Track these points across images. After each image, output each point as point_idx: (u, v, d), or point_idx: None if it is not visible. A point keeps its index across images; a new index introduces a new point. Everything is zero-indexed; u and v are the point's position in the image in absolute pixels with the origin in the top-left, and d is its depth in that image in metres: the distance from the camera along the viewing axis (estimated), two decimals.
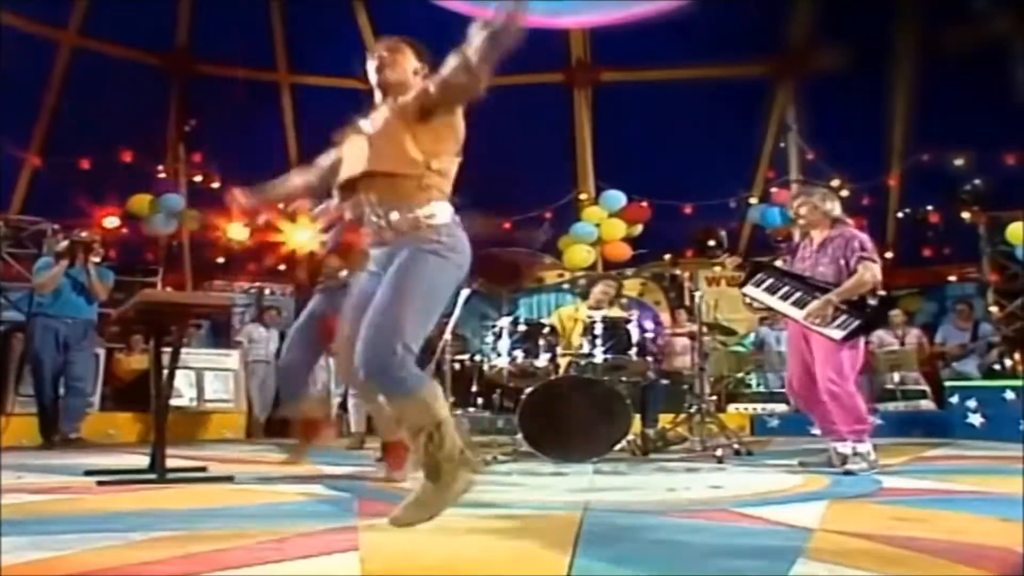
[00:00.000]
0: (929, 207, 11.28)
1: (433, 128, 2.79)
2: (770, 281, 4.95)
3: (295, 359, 4.77)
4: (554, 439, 5.23)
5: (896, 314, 9.79)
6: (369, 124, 2.92)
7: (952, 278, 11.50)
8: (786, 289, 4.87)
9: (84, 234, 7.15)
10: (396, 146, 2.77)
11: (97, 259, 7.21)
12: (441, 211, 2.78)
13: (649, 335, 5.75)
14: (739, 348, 9.81)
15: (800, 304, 4.76)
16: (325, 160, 3.20)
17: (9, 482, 4.17)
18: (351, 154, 2.93)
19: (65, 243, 7.01)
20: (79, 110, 10.49)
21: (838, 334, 4.60)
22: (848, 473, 4.40)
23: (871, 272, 4.66)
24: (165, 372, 4.57)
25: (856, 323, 4.59)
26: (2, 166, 10.20)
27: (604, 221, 11.15)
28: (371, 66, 2.98)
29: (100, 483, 4.00)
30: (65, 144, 10.47)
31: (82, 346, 7.22)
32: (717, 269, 10.17)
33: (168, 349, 4.45)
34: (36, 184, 10.95)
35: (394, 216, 2.77)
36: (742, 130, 11.60)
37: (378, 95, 2.99)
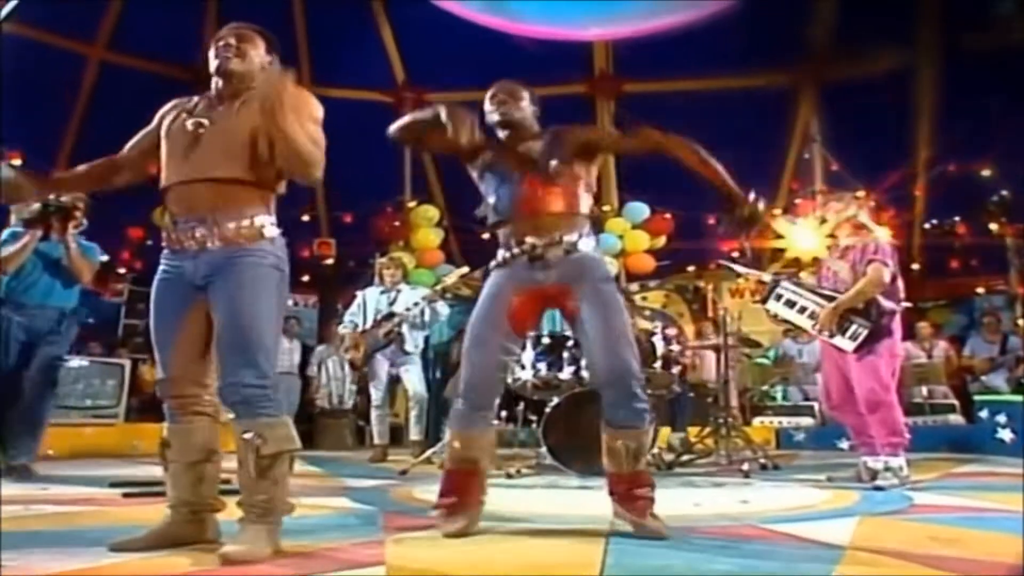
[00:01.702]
0: (956, 218, 11.16)
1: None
2: (789, 295, 4.90)
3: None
4: (578, 452, 5.18)
5: (923, 326, 9.68)
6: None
7: (980, 290, 11.35)
8: (803, 301, 4.81)
9: (64, 198, 5.23)
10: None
11: (78, 229, 5.38)
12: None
13: (674, 348, 5.71)
14: (763, 360, 9.73)
15: (814, 316, 4.71)
16: (133, 150, 2.93)
17: (34, 493, 4.19)
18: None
19: (37, 207, 5.13)
20: (106, 124, 10.60)
21: (849, 345, 4.54)
22: (878, 488, 4.33)
23: (877, 275, 4.56)
24: None
25: (865, 332, 4.52)
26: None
27: (627, 233, 11.11)
28: (214, 52, 2.78)
29: (125, 495, 4.01)
30: (92, 156, 10.56)
31: (49, 342, 5.31)
32: (741, 281, 10.10)
33: None
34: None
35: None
36: (765, 141, 11.53)
37: (217, 84, 2.80)
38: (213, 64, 2.76)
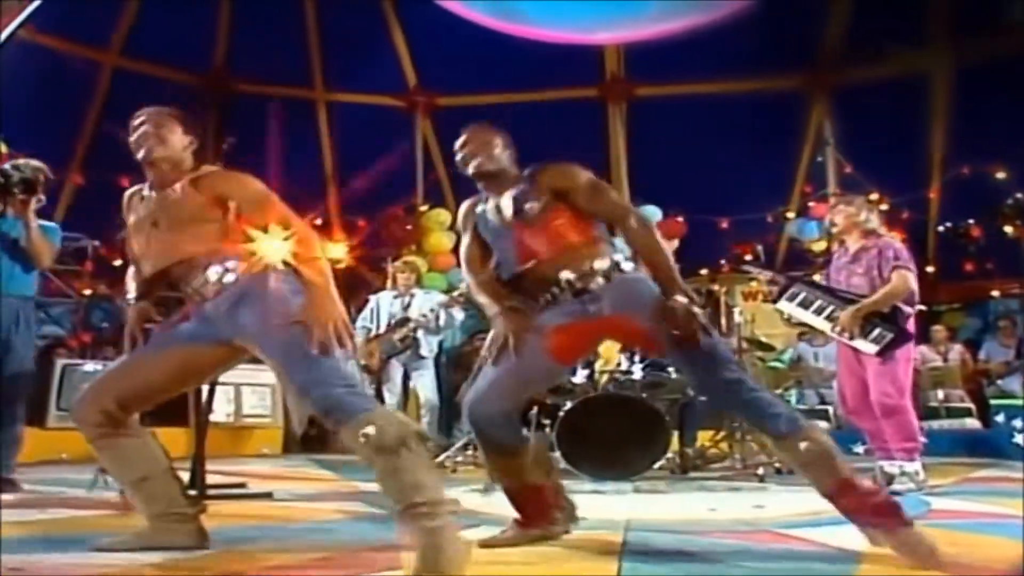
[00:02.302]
0: (970, 221, 11.07)
1: None
2: (803, 295, 4.86)
3: None
4: (592, 457, 5.17)
5: (938, 330, 9.62)
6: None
7: (995, 293, 11.26)
8: (819, 303, 4.77)
9: (22, 162, 4.62)
10: None
11: (38, 205, 4.65)
12: None
13: None
14: (777, 364, 9.67)
15: (832, 318, 4.67)
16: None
17: (52, 497, 4.21)
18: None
19: None
20: (120, 129, 10.66)
21: (872, 348, 4.51)
22: (894, 494, 4.29)
23: (905, 281, 4.55)
24: (205, 388, 4.61)
25: (890, 336, 4.49)
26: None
27: None
28: (133, 140, 2.80)
29: None
30: (105, 162, 10.63)
31: (17, 335, 4.62)
32: (754, 284, 10.06)
33: None
34: (77, 201, 11.13)
35: None
36: (779, 144, 11.50)
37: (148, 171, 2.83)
38: (137, 153, 2.79)
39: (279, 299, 2.53)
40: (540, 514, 2.89)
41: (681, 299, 2.63)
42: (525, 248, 2.84)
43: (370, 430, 2.33)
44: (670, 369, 5.52)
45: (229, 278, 2.63)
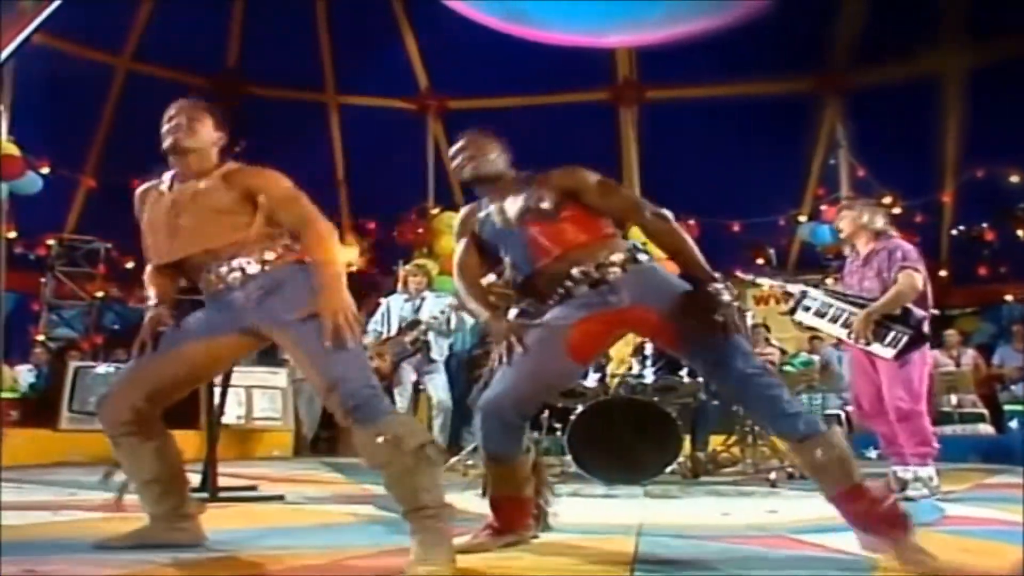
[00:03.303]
0: (984, 224, 11.02)
1: None
2: (817, 304, 4.83)
3: None
4: (603, 461, 5.16)
5: (951, 334, 9.56)
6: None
7: (1008, 298, 11.19)
8: (833, 310, 4.75)
9: None
10: None
11: None
12: None
13: None
14: (788, 368, 9.63)
15: (847, 324, 4.65)
16: None
17: (63, 499, 4.22)
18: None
19: None
20: (132, 132, 10.71)
21: (889, 352, 4.47)
22: (908, 499, 4.27)
23: (912, 281, 4.50)
24: (216, 390, 4.62)
25: (906, 338, 4.45)
26: (57, 186, 10.42)
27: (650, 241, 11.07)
28: (164, 130, 2.81)
29: None
30: (119, 165, 10.69)
31: None
32: (765, 288, 10.01)
33: None
34: (90, 204, 11.19)
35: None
36: (791, 147, 11.46)
37: (174, 162, 2.84)
38: (165, 142, 2.80)
39: (312, 291, 2.56)
40: (517, 522, 2.88)
41: (718, 285, 2.61)
42: (538, 246, 2.80)
43: (393, 434, 2.41)
44: (682, 373, 5.50)
45: (253, 269, 2.66)
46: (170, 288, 2.92)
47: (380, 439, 2.41)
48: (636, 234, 3.09)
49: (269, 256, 2.69)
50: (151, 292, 2.89)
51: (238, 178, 2.77)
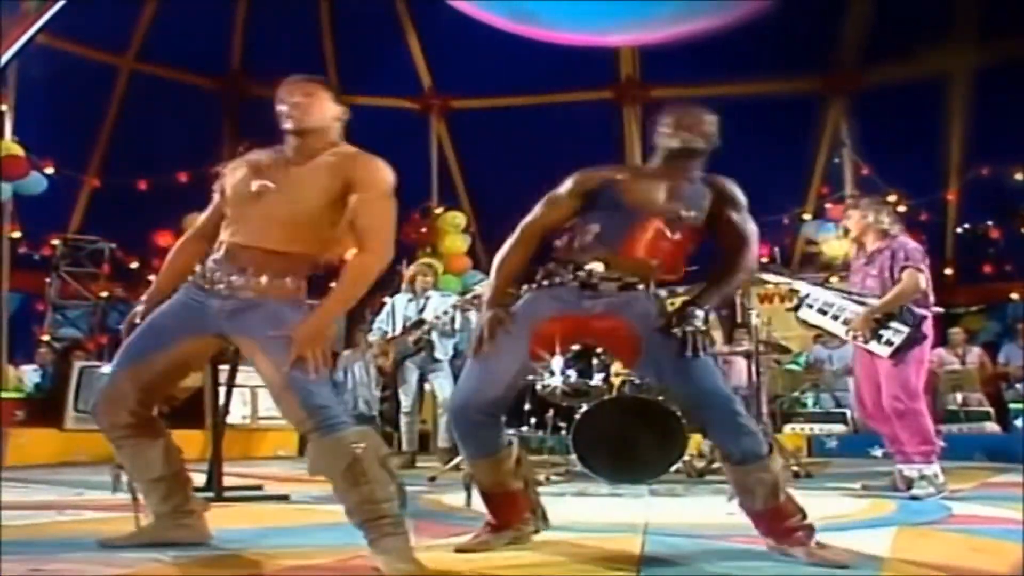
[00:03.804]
0: (989, 222, 11.00)
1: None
2: (821, 302, 4.85)
3: None
4: (608, 460, 5.15)
5: (956, 332, 9.53)
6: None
7: (1014, 296, 11.16)
8: (835, 308, 4.76)
9: None
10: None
11: None
12: None
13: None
14: (793, 366, 9.63)
15: (847, 322, 4.65)
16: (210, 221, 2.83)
17: (70, 499, 4.23)
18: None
19: None
20: (136, 133, 10.74)
21: (885, 351, 4.47)
22: (914, 498, 4.26)
23: (914, 280, 4.50)
24: (221, 390, 4.62)
25: (902, 337, 4.45)
26: (61, 187, 10.43)
27: None
28: (285, 111, 2.67)
29: None
30: (122, 165, 10.71)
31: None
32: (770, 286, 10.00)
33: (225, 367, 4.49)
34: (95, 204, 11.20)
35: None
36: (794, 146, 11.44)
37: (290, 141, 2.69)
38: (286, 124, 2.66)
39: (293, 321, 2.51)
40: (513, 517, 2.85)
41: (693, 307, 2.70)
42: (639, 242, 2.73)
43: (353, 444, 2.40)
44: None
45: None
46: (192, 265, 2.78)
47: (357, 447, 2.40)
48: None
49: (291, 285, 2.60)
50: (162, 278, 2.84)
51: (346, 166, 2.61)
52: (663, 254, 2.75)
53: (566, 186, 2.86)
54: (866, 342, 4.54)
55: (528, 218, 2.88)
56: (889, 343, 4.46)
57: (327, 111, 2.70)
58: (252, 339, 2.55)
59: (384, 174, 2.62)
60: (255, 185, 2.61)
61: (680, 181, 2.79)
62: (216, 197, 2.80)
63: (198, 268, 2.69)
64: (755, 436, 2.63)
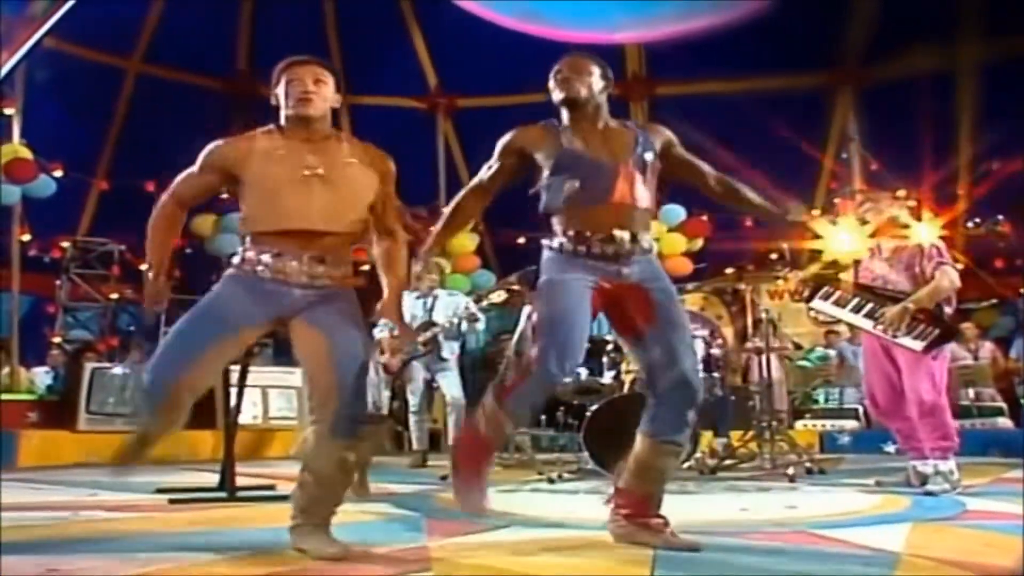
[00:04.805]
0: (1000, 217, 10.94)
1: None
2: (839, 293, 4.81)
3: None
4: (619, 457, 5.12)
5: (968, 327, 9.48)
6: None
7: None
8: (857, 300, 4.72)
9: None
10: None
11: None
12: None
13: (716, 351, 5.64)
14: (804, 363, 9.59)
15: (872, 315, 4.61)
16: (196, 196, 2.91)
17: (83, 499, 4.24)
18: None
19: None
20: (143, 135, 10.77)
21: (919, 345, 4.44)
22: (928, 494, 4.24)
23: (949, 278, 4.50)
24: (233, 390, 4.62)
25: (936, 332, 4.42)
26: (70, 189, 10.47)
27: (664, 235, 11.00)
28: (291, 93, 2.69)
29: (171, 501, 4.03)
30: (130, 166, 10.74)
31: None
32: (780, 283, 9.97)
33: (236, 367, 4.49)
34: (103, 206, 11.24)
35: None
36: (803, 141, 11.40)
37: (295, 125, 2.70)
38: (290, 109, 2.67)
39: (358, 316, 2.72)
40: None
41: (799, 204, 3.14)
42: (623, 191, 2.80)
43: (355, 455, 2.66)
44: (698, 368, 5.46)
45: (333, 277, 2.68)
46: (177, 234, 2.98)
47: (347, 453, 2.61)
48: None
49: (346, 269, 2.73)
50: (161, 250, 2.87)
51: (371, 158, 2.76)
52: (647, 199, 2.87)
53: (503, 145, 2.99)
54: (896, 336, 4.50)
55: (474, 180, 3.05)
56: (922, 338, 4.43)
57: (329, 100, 2.75)
58: (321, 324, 2.63)
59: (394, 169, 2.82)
60: (306, 172, 2.61)
61: (610, 128, 2.93)
62: (206, 175, 2.82)
63: (251, 255, 2.64)
64: (688, 428, 2.83)
